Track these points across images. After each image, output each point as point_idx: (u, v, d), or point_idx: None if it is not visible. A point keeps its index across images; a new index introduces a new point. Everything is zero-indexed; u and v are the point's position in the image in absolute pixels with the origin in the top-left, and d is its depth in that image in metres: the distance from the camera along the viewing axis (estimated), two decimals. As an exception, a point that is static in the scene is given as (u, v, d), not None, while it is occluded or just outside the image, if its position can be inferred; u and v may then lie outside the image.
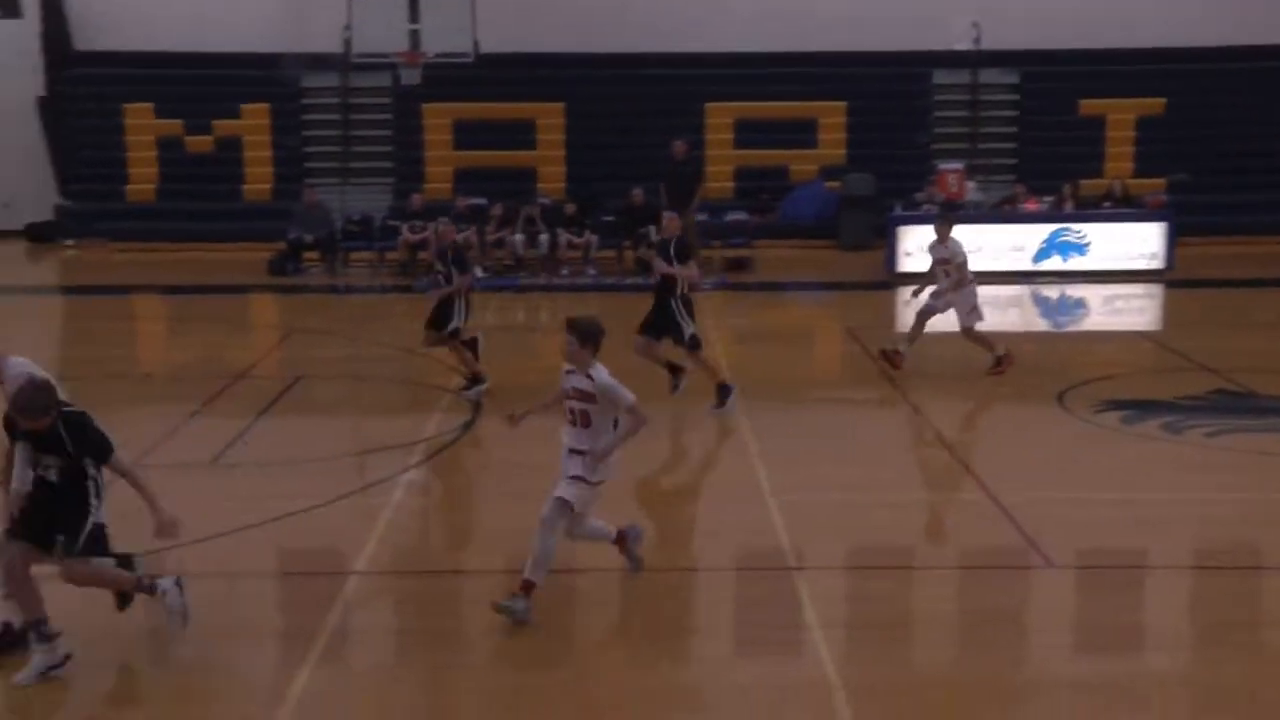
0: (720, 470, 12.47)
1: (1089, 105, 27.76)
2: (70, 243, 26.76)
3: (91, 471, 8.36)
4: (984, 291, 21.98)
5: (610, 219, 24.60)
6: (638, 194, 23.78)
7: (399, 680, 8.67)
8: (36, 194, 27.42)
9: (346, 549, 10.51)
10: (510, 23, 25.57)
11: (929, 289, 16.29)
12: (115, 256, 25.67)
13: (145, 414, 14.55)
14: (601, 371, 8.97)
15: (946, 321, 21.10)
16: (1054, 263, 23.56)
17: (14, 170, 27.63)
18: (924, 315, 16.27)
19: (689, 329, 14.24)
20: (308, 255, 24.53)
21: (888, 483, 12.17)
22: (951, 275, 16.02)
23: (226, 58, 27.32)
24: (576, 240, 24.00)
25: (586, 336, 9.11)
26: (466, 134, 27.04)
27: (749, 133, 27.08)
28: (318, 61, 26.22)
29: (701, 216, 24.86)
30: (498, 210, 24.24)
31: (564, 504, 8.97)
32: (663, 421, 14.96)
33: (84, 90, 27.50)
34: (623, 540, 9.52)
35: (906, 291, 22.25)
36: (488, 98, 26.54)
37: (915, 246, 23.09)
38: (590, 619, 9.70)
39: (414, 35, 23.89)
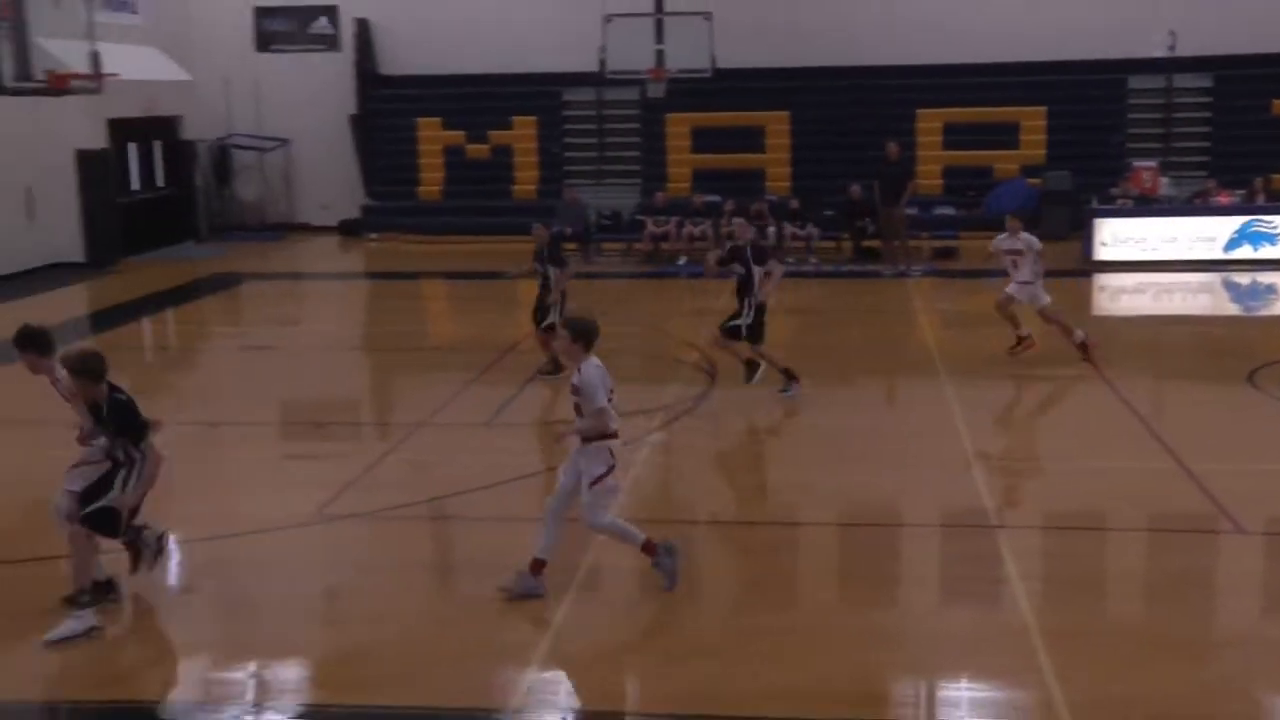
0: (928, 438, 12.22)
1: (1282, 105, 26.45)
2: (373, 236, 27.67)
3: (122, 457, 8.16)
4: (1177, 278, 21.34)
5: (830, 213, 24.38)
6: (855, 190, 23.52)
7: (642, 614, 8.73)
8: (348, 196, 28.46)
9: (601, 500, 10.63)
10: (743, 42, 25.50)
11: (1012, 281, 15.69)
12: (408, 247, 26.44)
13: (433, 380, 15.01)
14: (588, 368, 8.37)
15: (1136, 305, 20.36)
16: (1244, 251, 22.40)
17: (331, 176, 28.76)
18: (1006, 303, 15.68)
19: (746, 321, 13.64)
20: (567, 245, 24.81)
21: (1083, 451, 11.81)
22: (1022, 266, 15.54)
23: (501, 78, 27.84)
24: (800, 232, 23.87)
25: (578, 334, 8.55)
26: (704, 139, 27.06)
27: (956, 135, 26.49)
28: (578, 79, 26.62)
29: (912, 210, 24.45)
30: (730, 206, 24.22)
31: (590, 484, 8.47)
32: (876, 395, 14.83)
33: (386, 108, 28.37)
34: (652, 550, 8.63)
35: (1102, 278, 21.66)
36: (722, 108, 26.49)
37: (1110, 237, 22.51)
38: (810, 568, 9.63)
39: (659, 55, 24.03)
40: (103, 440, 8.18)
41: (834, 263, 23.37)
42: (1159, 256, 22.27)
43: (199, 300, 21.74)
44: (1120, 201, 23.32)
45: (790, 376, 13.60)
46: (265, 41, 29.12)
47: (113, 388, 8.18)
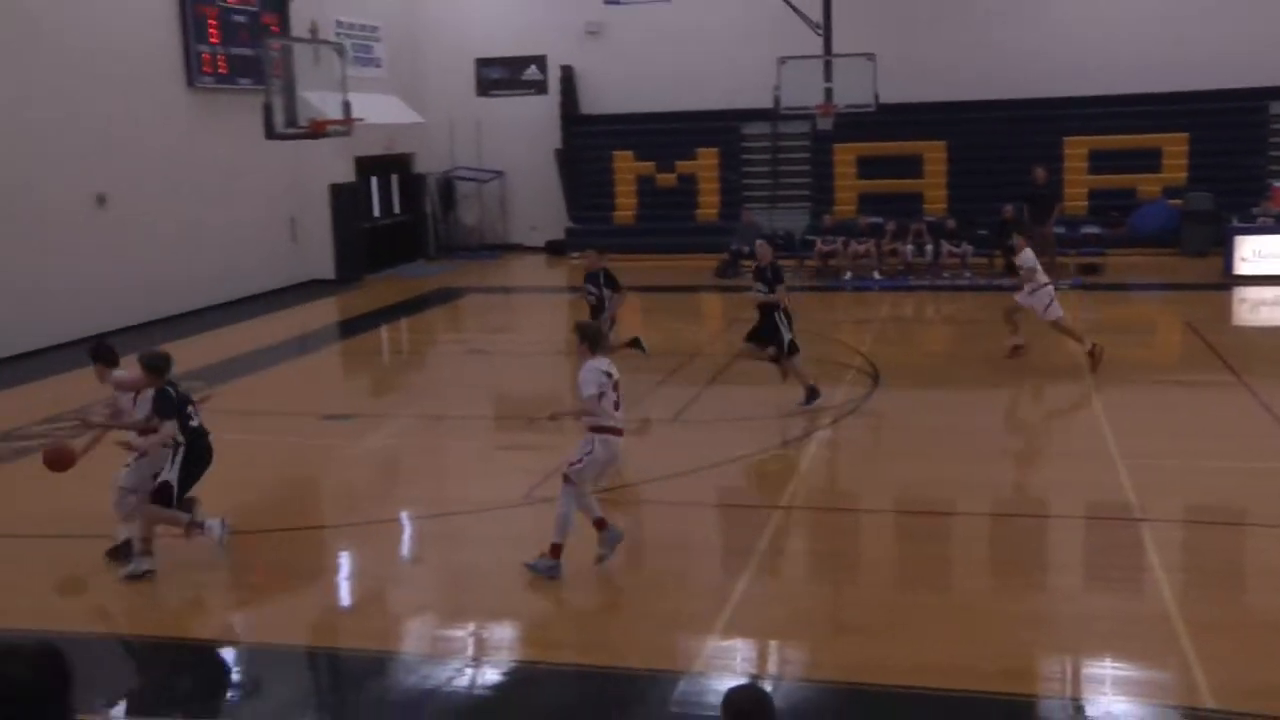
0: (1075, 438, 11.81)
1: None
2: (575, 254, 27.91)
3: (169, 440, 8.65)
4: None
5: (983, 232, 23.75)
6: (1008, 210, 22.83)
7: (812, 591, 8.63)
8: (554, 219, 28.84)
9: (773, 489, 10.56)
10: (903, 79, 25.04)
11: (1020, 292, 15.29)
12: (607, 264, 26.66)
13: (626, 381, 14.94)
14: (584, 367, 8.61)
15: (1276, 317, 19.34)
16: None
17: (539, 202, 29.20)
18: (1012, 312, 15.36)
19: (787, 336, 13.20)
20: (744, 262, 24.77)
21: (1224, 452, 11.21)
22: (1026, 280, 15.10)
23: (686, 115, 27.86)
24: (955, 250, 23.32)
25: (584, 337, 8.82)
26: (867, 167, 26.65)
27: (1101, 160, 25.52)
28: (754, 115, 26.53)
29: (1059, 229, 23.72)
30: (891, 226, 23.81)
31: (565, 479, 8.64)
32: (1026, 397, 14.38)
33: (586, 143, 28.67)
34: (602, 525, 8.68)
35: (1243, 291, 20.63)
36: (885, 138, 26.04)
37: (1251, 253, 21.49)
38: (962, 554, 9.37)
39: (828, 92, 23.75)
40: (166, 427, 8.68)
41: (987, 276, 22.77)
42: (1298, 271, 21.13)
43: (427, 310, 22.31)
44: (1261, 220, 22.24)
45: (814, 393, 13.16)
46: (485, 88, 29.74)
47: (168, 384, 8.74)
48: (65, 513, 9.89)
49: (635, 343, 14.13)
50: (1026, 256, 15.36)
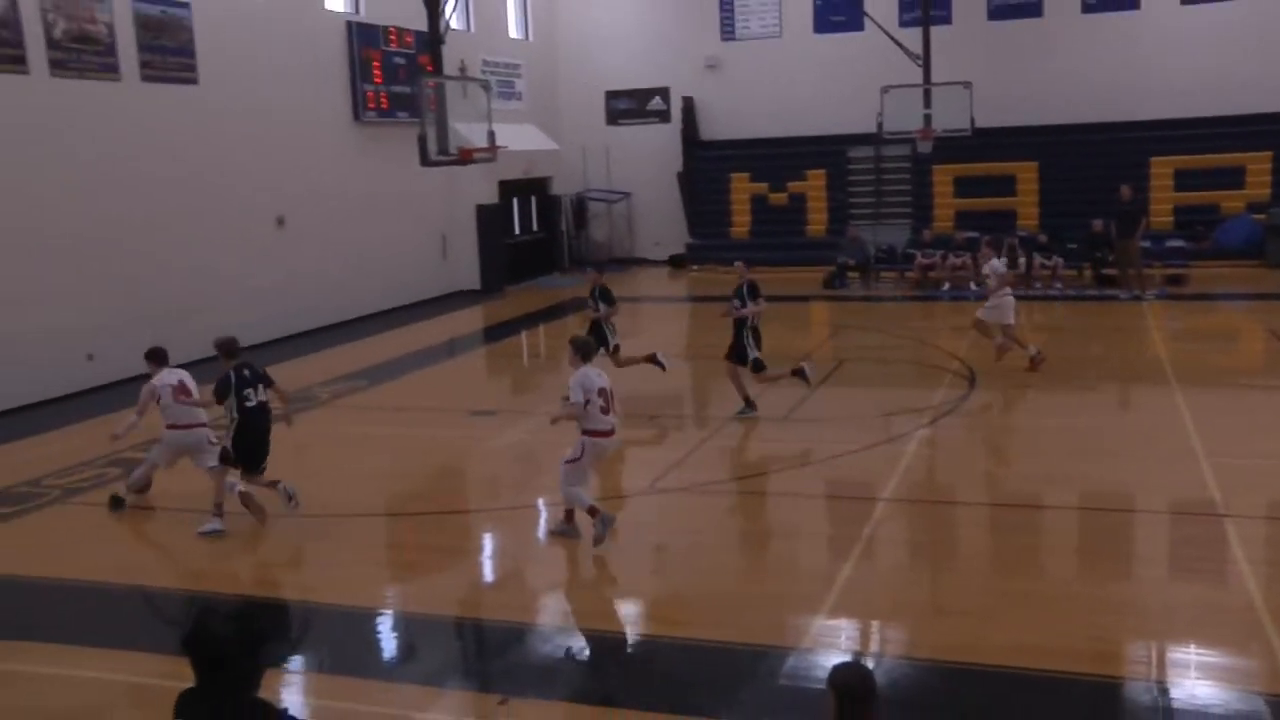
0: (1161, 438, 11.39)
1: None
2: (695, 267, 27.99)
3: (229, 414, 9.44)
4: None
5: (1073, 246, 23.08)
6: (1098, 224, 22.19)
7: (912, 577, 8.50)
8: (676, 235, 28.90)
9: (877, 482, 10.41)
10: (998, 104, 24.55)
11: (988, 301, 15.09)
12: (722, 276, 26.55)
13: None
14: (575, 376, 8.88)
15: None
16: None
17: (663, 220, 29.29)
18: (981, 325, 15.10)
19: (752, 354, 12.84)
20: (850, 274, 24.51)
21: (1306, 452, 10.73)
22: (990, 284, 14.91)
23: (796, 140, 27.69)
24: (1047, 263, 22.69)
25: (575, 350, 9.07)
26: (964, 186, 26.11)
27: (1186, 179, 24.57)
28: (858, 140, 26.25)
29: (1146, 243, 22.93)
30: (987, 240, 23.13)
31: (564, 465, 9.01)
32: (1114, 400, 13.93)
33: (705, 166, 28.64)
34: (594, 512, 8.84)
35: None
36: (980, 160, 25.48)
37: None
38: (1054, 544, 9.13)
39: (927, 118, 23.37)
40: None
41: (1077, 288, 22.13)
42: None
43: (562, 318, 22.51)
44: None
45: (750, 405, 12.88)
46: (613, 117, 29.94)
47: (235, 368, 9.54)
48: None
49: (653, 358, 14.14)
50: (994, 265, 15.09)
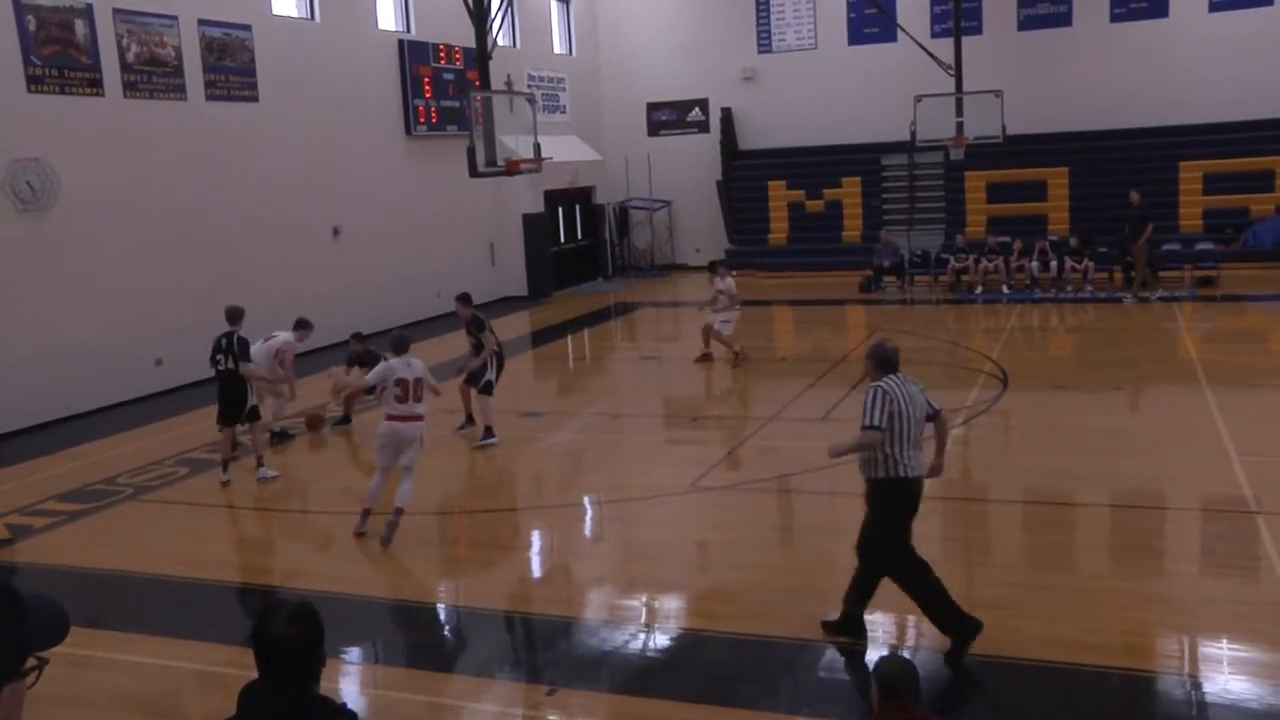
0: (1192, 436, 11.23)
1: None
2: (734, 273, 27.87)
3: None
4: None
5: (1103, 249, 22.82)
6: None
7: (946, 571, 8.39)
8: (715, 242, 28.86)
9: (912, 480, 10.32)
10: (1028, 112, 24.34)
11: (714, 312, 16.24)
12: (762, 281, 26.53)
13: (781, 384, 14.95)
14: (380, 364, 9.56)
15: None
16: None
17: (703, 227, 29.28)
18: (708, 330, 16.26)
19: (486, 377, 12.38)
20: (886, 278, 24.37)
21: (1335, 450, 10.54)
22: (720, 302, 16.01)
23: (832, 148, 27.59)
24: (1078, 265, 22.44)
25: (391, 343, 9.52)
26: (996, 192, 25.88)
27: (1214, 182, 24.21)
28: (892, 148, 26.12)
29: (1175, 246, 22.70)
30: (1018, 245, 23.08)
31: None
32: (1146, 399, 13.75)
33: (744, 174, 28.61)
34: (366, 513, 9.35)
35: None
36: (1012, 166, 25.29)
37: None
38: (1086, 540, 9.03)
39: (959, 125, 23.19)
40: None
41: (1107, 290, 21.87)
42: None
43: (606, 322, 22.61)
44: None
45: (490, 433, 12.38)
46: (654, 128, 29.98)
47: (223, 334, 11.19)
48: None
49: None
50: (729, 284, 16.01)
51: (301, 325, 12.94)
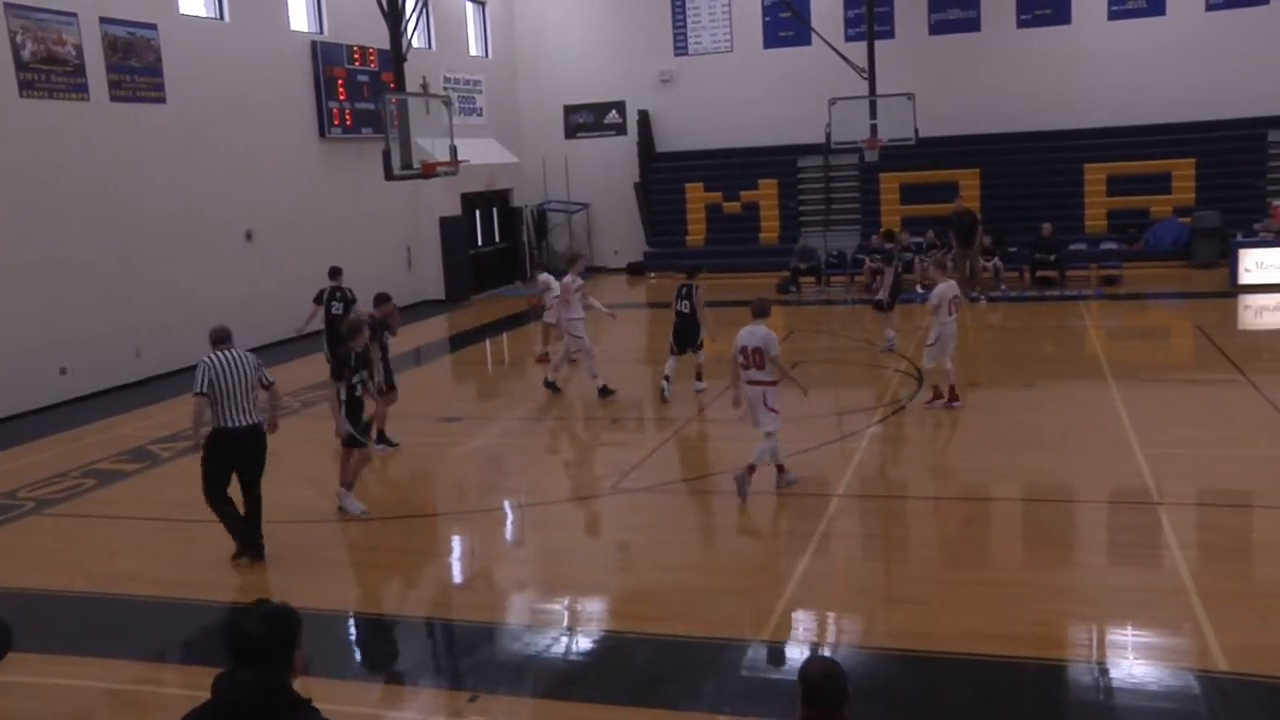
0: (1098, 430, 11.59)
1: None
2: (652, 275, 28.07)
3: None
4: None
5: (1013, 249, 23.42)
6: (1046, 228, 22.66)
7: (864, 569, 8.59)
8: (633, 244, 28.99)
9: (831, 478, 10.51)
10: (940, 115, 24.89)
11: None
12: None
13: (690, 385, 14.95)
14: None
15: (1277, 321, 18.90)
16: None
17: (621, 229, 29.37)
18: (549, 327, 16.68)
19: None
20: (803, 279, 24.67)
21: (1232, 441, 10.98)
22: (550, 303, 16.29)
23: (749, 150, 27.89)
24: (989, 264, 22.97)
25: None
26: (910, 193, 26.38)
27: (1118, 184, 25.00)
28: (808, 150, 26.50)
29: (1081, 246, 23.47)
30: (930, 238, 23.57)
31: None
32: (1054, 395, 14.14)
33: (661, 177, 28.75)
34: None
35: (1247, 298, 20.08)
36: (925, 168, 25.80)
37: (1253, 264, 21.01)
38: (999, 534, 9.26)
39: (873, 128, 23.59)
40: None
41: (1018, 289, 22.44)
42: (1296, 280, 20.63)
43: (524, 326, 22.51)
44: (1262, 235, 21.74)
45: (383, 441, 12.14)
46: (572, 130, 29.97)
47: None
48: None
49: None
50: (566, 283, 15.55)
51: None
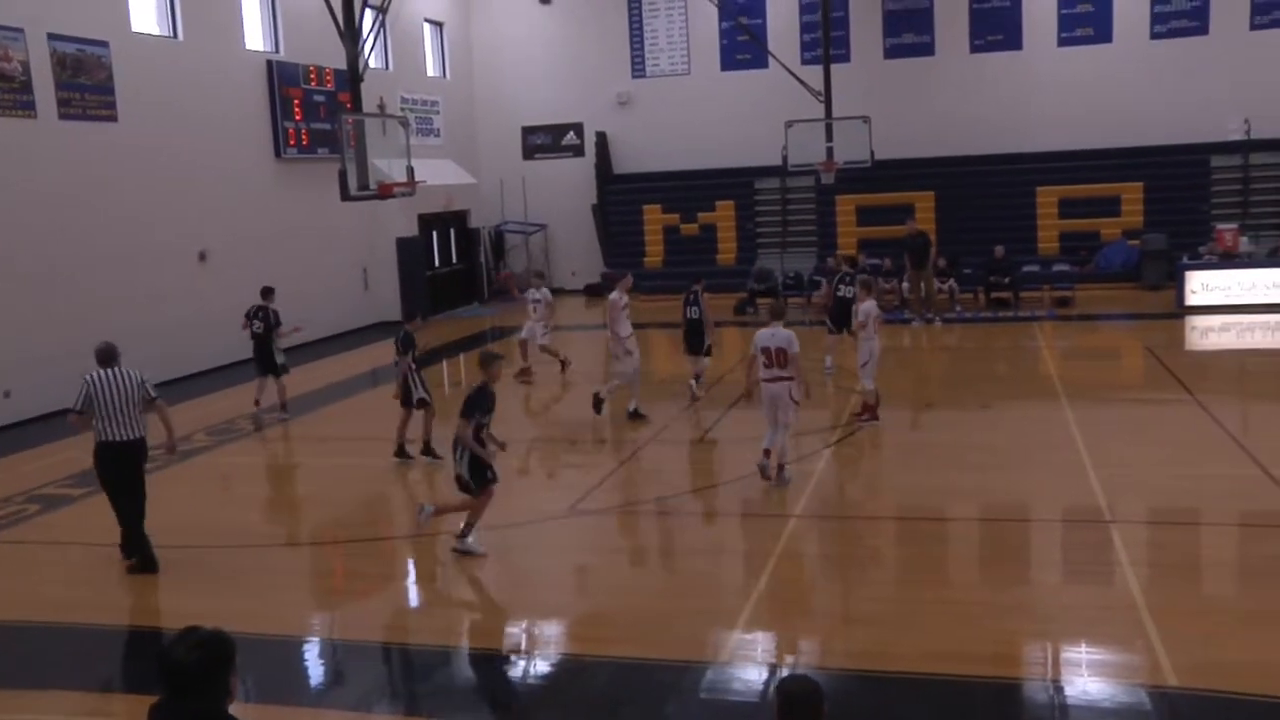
0: (1052, 450, 11.75)
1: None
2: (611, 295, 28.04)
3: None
4: (1256, 319, 20.05)
5: (968, 271, 23.73)
6: (999, 250, 23.01)
7: (822, 590, 8.62)
8: (591, 265, 28.99)
9: (788, 499, 10.55)
10: (895, 138, 25.21)
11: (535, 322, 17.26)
12: (639, 304, 26.54)
13: (659, 407, 14.92)
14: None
15: (1222, 341, 19.28)
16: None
17: (579, 251, 29.37)
18: (526, 344, 17.35)
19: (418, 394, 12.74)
20: (760, 300, 24.81)
21: (1182, 460, 11.18)
22: (539, 313, 17.11)
23: (706, 172, 28.05)
24: (943, 286, 23.25)
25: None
26: (866, 215, 26.64)
27: (1069, 207, 25.44)
28: (765, 171, 26.72)
29: (1033, 267, 23.86)
30: (888, 265, 23.82)
31: None
32: (1008, 414, 14.31)
33: (619, 198, 28.82)
34: None
35: (1193, 319, 20.49)
36: (880, 190, 26.04)
37: (1199, 286, 21.53)
38: (956, 553, 9.35)
39: (830, 150, 23.86)
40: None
41: (973, 310, 22.72)
42: (1240, 301, 21.06)
43: (482, 346, 22.40)
44: (1207, 257, 22.34)
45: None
46: (530, 152, 30.00)
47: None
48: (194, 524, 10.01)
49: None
50: (545, 294, 17.25)
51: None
